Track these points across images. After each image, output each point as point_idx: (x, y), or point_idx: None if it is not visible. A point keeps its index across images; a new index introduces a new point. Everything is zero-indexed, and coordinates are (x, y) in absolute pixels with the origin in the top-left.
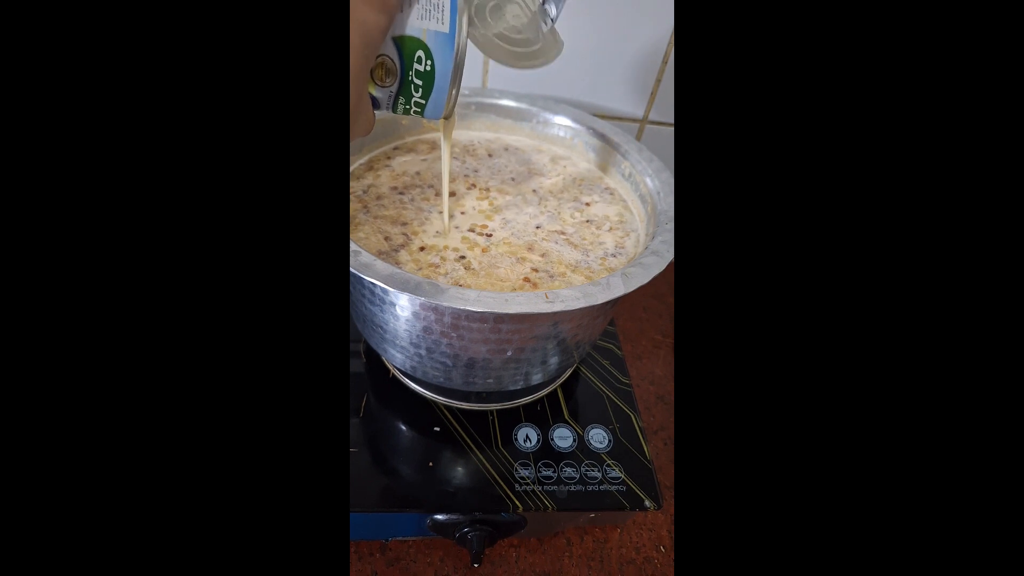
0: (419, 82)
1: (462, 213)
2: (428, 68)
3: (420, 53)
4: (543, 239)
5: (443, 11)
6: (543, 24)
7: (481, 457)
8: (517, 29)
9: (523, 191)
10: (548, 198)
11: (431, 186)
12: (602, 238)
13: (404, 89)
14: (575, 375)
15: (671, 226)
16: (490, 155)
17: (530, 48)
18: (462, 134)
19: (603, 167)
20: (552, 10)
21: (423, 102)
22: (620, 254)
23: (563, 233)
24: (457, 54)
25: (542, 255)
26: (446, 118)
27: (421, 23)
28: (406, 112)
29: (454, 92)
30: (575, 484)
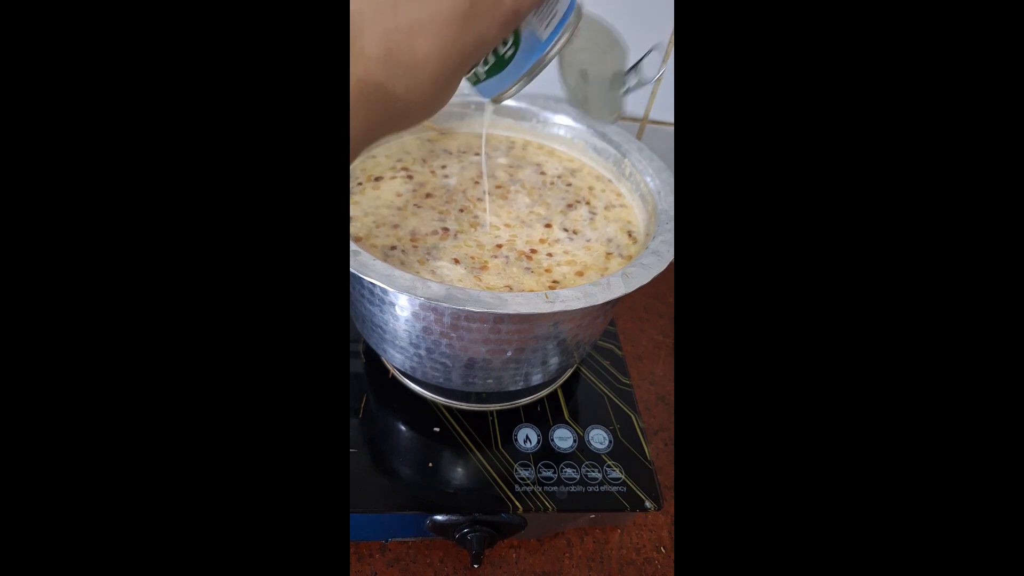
0: (492, 59)
1: (465, 220)
2: (508, 56)
3: (511, 39)
4: (542, 239)
5: (551, 22)
6: (619, 85)
7: (481, 458)
8: (599, 78)
9: (522, 190)
10: (547, 197)
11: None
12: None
13: None
14: (575, 375)
15: (671, 226)
16: (488, 155)
17: (597, 97)
18: (462, 133)
19: (603, 166)
20: (631, 81)
21: (483, 76)
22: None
23: (562, 232)
24: (538, 64)
25: (542, 255)
26: (495, 103)
27: (529, 19)
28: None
29: (515, 88)
30: (575, 485)
